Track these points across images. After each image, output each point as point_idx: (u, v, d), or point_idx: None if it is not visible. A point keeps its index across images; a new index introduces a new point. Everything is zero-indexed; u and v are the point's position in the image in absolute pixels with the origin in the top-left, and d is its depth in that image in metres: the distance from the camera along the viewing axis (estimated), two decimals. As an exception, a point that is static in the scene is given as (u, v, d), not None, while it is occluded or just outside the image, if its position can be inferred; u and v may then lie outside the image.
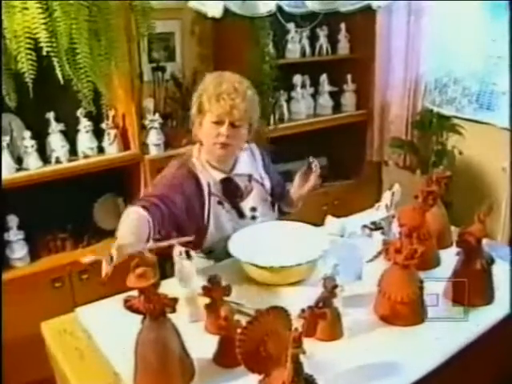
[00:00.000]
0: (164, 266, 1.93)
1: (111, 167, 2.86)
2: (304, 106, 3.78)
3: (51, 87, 2.42)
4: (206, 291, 1.51)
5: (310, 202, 2.50)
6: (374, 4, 3.31)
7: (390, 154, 3.99)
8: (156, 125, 3.00)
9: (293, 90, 3.73)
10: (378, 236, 2.10)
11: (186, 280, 1.64)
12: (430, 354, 1.49)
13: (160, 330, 1.32)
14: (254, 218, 2.12)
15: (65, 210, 2.91)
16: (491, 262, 1.71)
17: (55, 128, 2.72)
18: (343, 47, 3.86)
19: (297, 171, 2.25)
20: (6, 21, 2.21)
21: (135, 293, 1.32)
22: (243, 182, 2.12)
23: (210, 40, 3.49)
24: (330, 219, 2.24)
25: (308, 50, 3.70)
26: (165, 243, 1.56)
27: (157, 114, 3.02)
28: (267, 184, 2.19)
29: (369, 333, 1.58)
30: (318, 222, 2.19)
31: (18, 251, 2.73)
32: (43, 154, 2.72)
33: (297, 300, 1.57)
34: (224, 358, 1.44)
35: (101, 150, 2.88)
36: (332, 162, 4.09)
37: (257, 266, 1.80)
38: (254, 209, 2.13)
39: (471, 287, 1.66)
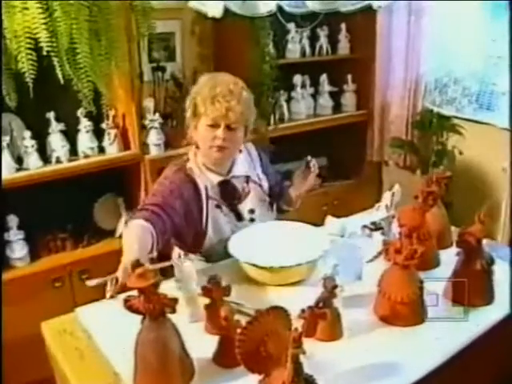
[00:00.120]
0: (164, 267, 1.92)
1: (111, 167, 2.86)
2: (304, 106, 3.78)
3: (51, 87, 2.42)
4: (206, 291, 1.50)
5: (310, 202, 2.51)
6: (375, 4, 3.32)
7: (390, 154, 3.99)
8: (156, 125, 3.00)
9: (293, 90, 3.73)
10: (378, 236, 2.10)
11: (186, 281, 1.64)
12: (430, 354, 1.49)
13: (160, 330, 1.32)
14: (252, 220, 2.11)
15: (65, 209, 2.91)
16: (491, 262, 1.71)
17: (55, 128, 2.73)
18: (343, 47, 3.86)
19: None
20: (7, 21, 2.21)
21: (135, 293, 1.32)
22: (241, 184, 2.11)
23: (210, 40, 3.49)
24: (330, 219, 2.24)
25: (308, 50, 3.70)
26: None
27: (157, 114, 3.01)
28: (265, 185, 2.18)
29: (369, 333, 1.58)
30: (318, 222, 2.19)
31: (18, 251, 2.72)
32: (43, 153, 2.72)
33: (297, 300, 1.57)
34: (224, 358, 1.44)
35: (101, 149, 2.88)
36: (332, 162, 4.09)
37: (257, 266, 1.80)
38: (252, 211, 2.12)
39: (471, 287, 1.66)
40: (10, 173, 2.56)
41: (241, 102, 1.91)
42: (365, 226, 2.19)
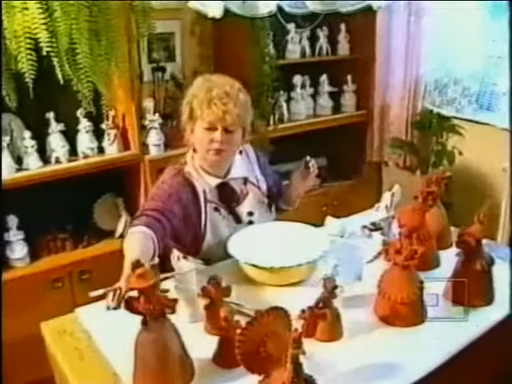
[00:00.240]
0: (164, 266, 1.92)
1: (111, 167, 2.86)
2: (304, 107, 3.78)
3: (51, 87, 2.42)
4: (206, 292, 1.50)
5: (310, 203, 2.51)
6: (375, 4, 3.32)
7: (389, 154, 3.99)
8: (156, 125, 3.00)
9: (293, 91, 3.73)
10: (377, 237, 2.10)
11: (186, 281, 1.64)
12: (430, 354, 1.49)
13: (160, 330, 1.32)
14: (250, 222, 2.10)
15: (65, 210, 2.91)
16: (491, 262, 1.71)
17: (55, 128, 2.73)
18: (343, 48, 3.86)
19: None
20: (6, 21, 2.21)
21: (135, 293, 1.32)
22: (239, 186, 2.11)
23: (210, 40, 3.49)
24: (329, 220, 2.24)
25: (308, 50, 3.70)
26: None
27: (157, 115, 3.01)
28: (263, 186, 2.18)
29: (369, 333, 1.58)
30: (318, 223, 2.19)
31: (18, 251, 2.72)
32: (43, 154, 2.73)
33: (297, 300, 1.57)
34: (224, 358, 1.44)
35: (101, 150, 2.88)
36: (332, 162, 4.09)
37: (256, 266, 1.80)
38: (250, 213, 2.11)
39: (471, 288, 1.66)
40: (9, 173, 2.55)
41: (237, 105, 1.89)
42: (364, 227, 2.19)
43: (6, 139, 2.56)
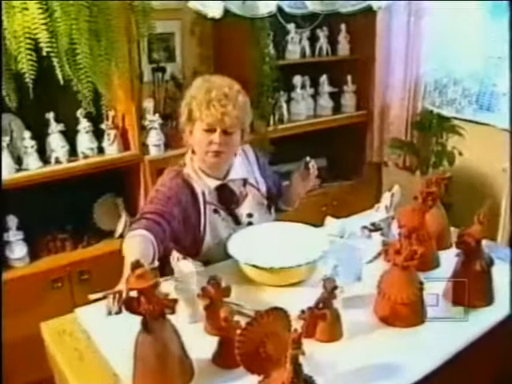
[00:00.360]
0: (163, 266, 1.92)
1: (111, 168, 2.86)
2: (304, 107, 3.78)
3: (51, 88, 2.42)
4: (206, 292, 1.50)
5: (310, 203, 2.51)
6: (375, 5, 3.32)
7: (389, 154, 3.99)
8: (156, 125, 3.00)
9: (293, 91, 3.72)
10: (377, 237, 2.10)
11: (186, 281, 1.64)
12: (430, 354, 1.49)
13: (159, 331, 1.32)
14: (250, 223, 2.10)
15: (64, 210, 2.92)
16: (491, 263, 1.71)
17: (55, 128, 2.73)
18: (343, 48, 3.86)
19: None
20: (6, 21, 2.21)
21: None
22: (238, 188, 2.10)
23: (210, 40, 3.49)
24: (329, 220, 2.24)
25: (308, 50, 3.70)
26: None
27: (157, 115, 3.01)
28: (263, 188, 2.17)
29: (368, 334, 1.58)
30: (318, 223, 2.19)
31: (18, 251, 2.72)
32: (43, 154, 2.73)
33: (296, 301, 1.57)
34: (223, 358, 1.44)
35: (101, 150, 2.88)
36: (332, 162, 4.09)
37: (256, 266, 1.79)
38: (250, 215, 2.11)
39: (471, 288, 1.66)
40: (9, 173, 2.55)
41: (236, 106, 1.89)
42: (364, 227, 2.19)
43: (5, 139, 2.56)
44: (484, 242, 1.73)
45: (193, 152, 2.04)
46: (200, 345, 1.48)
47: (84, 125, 2.80)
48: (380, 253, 1.86)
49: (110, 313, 1.39)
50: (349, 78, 3.92)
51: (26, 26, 2.22)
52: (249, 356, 1.19)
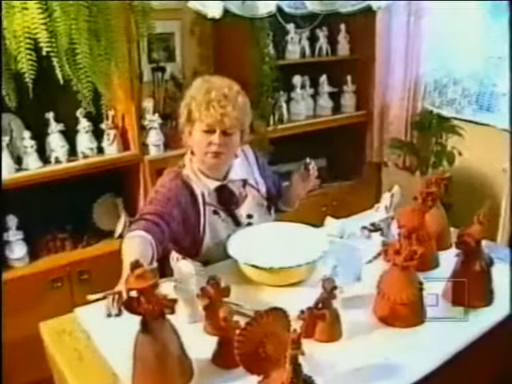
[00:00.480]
0: (163, 267, 1.92)
1: (111, 168, 2.86)
2: (304, 107, 3.78)
3: (51, 87, 2.42)
4: (205, 292, 1.50)
5: (310, 203, 2.50)
6: (374, 5, 3.32)
7: (389, 154, 3.99)
8: (155, 125, 3.00)
9: (292, 91, 3.72)
10: (377, 237, 2.10)
11: (185, 281, 1.64)
12: (430, 355, 1.49)
13: (159, 330, 1.31)
14: (249, 224, 2.10)
15: (64, 210, 2.92)
16: (490, 263, 1.71)
17: (55, 128, 2.73)
18: (343, 48, 3.86)
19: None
20: (6, 21, 2.21)
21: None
22: (238, 188, 2.10)
23: (209, 40, 3.49)
24: (329, 220, 2.24)
25: (308, 50, 3.70)
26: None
27: (156, 115, 3.01)
28: (262, 189, 2.17)
29: (368, 334, 1.58)
30: (318, 223, 2.19)
31: (17, 251, 2.72)
32: (43, 154, 2.73)
33: (296, 301, 1.57)
34: (223, 358, 1.44)
35: (100, 150, 2.88)
36: (331, 162, 4.09)
37: (256, 266, 1.79)
38: (249, 216, 2.11)
39: (470, 288, 1.66)
40: (9, 173, 2.55)
41: (236, 107, 1.89)
42: (364, 227, 2.19)
43: (5, 139, 2.56)
44: (484, 243, 1.73)
45: (192, 153, 2.04)
46: (199, 345, 1.48)
47: (84, 124, 2.80)
48: (380, 253, 1.86)
49: (109, 315, 1.39)
50: (348, 78, 3.92)
51: (25, 25, 2.22)
52: (248, 356, 1.19)
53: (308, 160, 2.13)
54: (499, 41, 3.38)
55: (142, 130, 2.97)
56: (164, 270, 1.86)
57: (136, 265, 1.30)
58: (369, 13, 3.44)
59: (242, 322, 1.25)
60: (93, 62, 2.42)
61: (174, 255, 1.73)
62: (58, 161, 2.73)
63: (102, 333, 1.60)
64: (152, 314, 1.29)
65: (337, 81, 3.92)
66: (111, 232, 3.05)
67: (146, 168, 2.94)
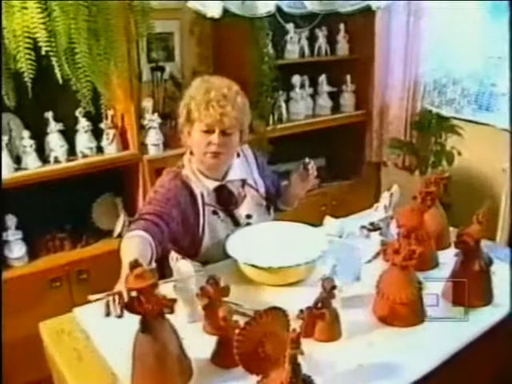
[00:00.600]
0: (162, 267, 1.92)
1: (110, 167, 2.86)
2: (303, 107, 3.78)
3: (50, 87, 2.42)
4: (205, 292, 1.50)
5: (309, 203, 2.50)
6: (374, 5, 3.32)
7: (388, 154, 3.99)
8: (155, 125, 3.00)
9: (292, 91, 3.72)
10: (376, 237, 2.10)
11: (184, 281, 1.64)
12: (429, 354, 1.49)
13: (158, 330, 1.31)
14: (249, 225, 2.09)
15: (63, 209, 2.91)
16: (489, 262, 1.71)
17: (54, 128, 2.72)
18: (342, 48, 3.86)
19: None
20: (5, 20, 2.21)
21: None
22: (237, 189, 2.10)
23: (209, 40, 3.49)
24: (328, 220, 2.25)
25: (307, 50, 3.70)
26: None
27: (155, 114, 3.01)
28: (261, 189, 2.17)
29: (367, 333, 1.58)
30: (317, 223, 2.19)
31: (17, 251, 2.72)
32: (42, 153, 2.72)
33: (295, 300, 1.57)
34: (222, 358, 1.44)
35: (99, 149, 2.88)
36: (331, 162, 4.09)
37: (255, 266, 1.79)
38: (249, 216, 2.11)
39: (470, 288, 1.66)
40: (8, 172, 2.55)
41: (235, 107, 1.89)
42: (363, 227, 2.19)
43: (4, 139, 2.55)
44: (483, 242, 1.73)
45: (191, 153, 2.04)
46: (199, 344, 1.48)
47: (83, 124, 2.79)
48: (379, 252, 1.86)
49: (108, 314, 1.39)
50: (348, 77, 3.92)
51: (24, 25, 2.22)
52: (247, 356, 1.19)
53: (307, 160, 2.12)
54: (499, 41, 3.38)
55: (141, 129, 2.97)
56: (163, 270, 1.86)
57: (135, 264, 1.30)
58: (368, 13, 3.44)
59: (242, 321, 1.25)
60: (92, 62, 2.42)
61: (173, 255, 1.73)
62: (57, 160, 2.73)
63: (101, 332, 1.60)
64: (151, 313, 1.29)
65: (336, 80, 3.92)
66: (110, 231, 3.05)
67: (145, 167, 2.94)
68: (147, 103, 3.01)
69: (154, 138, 3.00)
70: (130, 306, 1.29)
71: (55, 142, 2.73)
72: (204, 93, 1.89)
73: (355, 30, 3.82)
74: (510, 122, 3.17)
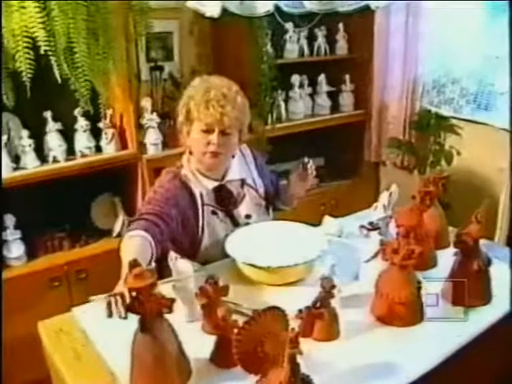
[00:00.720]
0: (161, 267, 1.92)
1: (109, 167, 2.85)
2: (302, 106, 3.78)
3: (49, 86, 2.42)
4: (204, 291, 1.50)
5: (308, 202, 2.50)
6: (373, 4, 3.31)
7: (387, 154, 3.99)
8: (154, 124, 3.00)
9: (291, 90, 3.72)
10: (375, 236, 2.10)
11: (183, 280, 1.64)
12: (428, 354, 1.49)
13: (157, 330, 1.31)
14: (248, 225, 2.09)
15: (62, 209, 2.91)
16: (488, 262, 1.71)
17: (53, 127, 2.72)
18: (341, 47, 3.86)
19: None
20: (4, 20, 2.21)
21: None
22: (236, 189, 2.10)
23: (208, 40, 3.49)
24: (327, 219, 2.25)
25: (306, 49, 3.70)
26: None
27: (154, 114, 3.01)
28: (260, 189, 2.17)
29: (366, 333, 1.58)
30: (316, 222, 2.20)
31: (15, 251, 2.71)
32: (41, 153, 2.72)
33: (294, 300, 1.57)
34: (221, 358, 1.44)
35: (98, 149, 2.88)
36: (330, 162, 4.09)
37: (254, 266, 1.79)
38: (248, 216, 2.11)
39: (469, 287, 1.65)
40: (7, 172, 2.55)
41: (235, 107, 1.88)
42: (362, 226, 2.19)
43: (3, 138, 2.55)
44: (482, 242, 1.73)
45: (190, 153, 2.03)
46: (198, 344, 1.48)
47: (82, 123, 2.79)
48: (378, 252, 1.86)
49: (110, 315, 1.39)
50: (347, 77, 3.93)
51: (23, 24, 2.22)
52: (246, 355, 1.19)
53: (306, 159, 2.12)
54: (497, 40, 3.38)
55: (140, 129, 2.97)
56: (162, 270, 1.86)
57: (134, 264, 1.30)
58: (367, 12, 3.43)
59: (241, 321, 1.25)
60: (91, 61, 2.42)
61: (172, 255, 1.73)
62: (55, 160, 2.73)
63: (99, 332, 1.60)
64: (150, 313, 1.29)
65: (335, 80, 3.93)
66: (109, 231, 3.04)
67: (144, 167, 2.94)
68: (146, 103, 3.01)
69: (152, 137, 3.00)
70: (130, 306, 1.29)
71: (54, 141, 2.73)
72: (203, 92, 1.88)
73: (354, 29, 3.82)
74: (510, 122, 3.17)
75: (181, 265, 1.69)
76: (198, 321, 1.61)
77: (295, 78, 3.72)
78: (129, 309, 1.29)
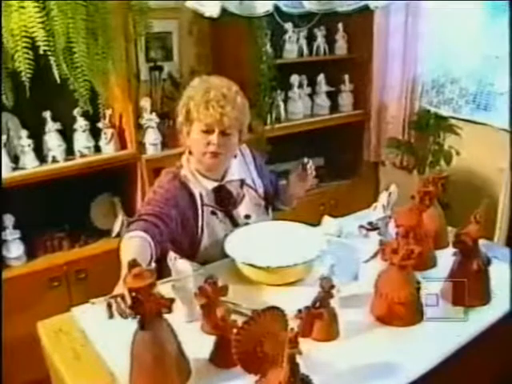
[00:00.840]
0: (161, 267, 1.92)
1: (108, 167, 2.85)
2: (301, 106, 3.78)
3: (48, 86, 2.42)
4: (203, 291, 1.50)
5: (307, 202, 2.50)
6: (372, 4, 3.31)
7: (386, 154, 3.99)
8: (153, 124, 3.00)
9: (290, 90, 3.72)
10: (374, 236, 2.09)
11: (183, 280, 1.64)
12: (427, 354, 1.49)
13: (156, 330, 1.31)
14: (247, 225, 2.09)
15: (62, 209, 2.91)
16: (488, 262, 1.71)
17: (52, 127, 2.72)
18: (341, 47, 3.86)
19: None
20: (3, 20, 2.21)
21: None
22: (235, 189, 2.10)
23: (207, 40, 3.49)
24: (326, 219, 2.25)
25: (305, 49, 3.70)
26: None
27: (154, 114, 3.01)
28: (260, 189, 2.17)
29: (365, 333, 1.58)
30: (315, 222, 2.19)
31: (15, 251, 2.71)
32: (40, 153, 2.72)
33: (293, 300, 1.57)
34: (220, 358, 1.44)
35: (97, 149, 2.87)
36: (329, 162, 4.09)
37: (253, 266, 1.79)
38: (247, 216, 2.11)
39: (468, 288, 1.65)
40: (6, 172, 2.55)
41: (235, 107, 1.88)
42: (361, 226, 2.19)
43: (2, 138, 2.55)
44: (481, 242, 1.73)
45: (190, 153, 2.03)
46: (197, 344, 1.48)
47: (81, 123, 2.79)
48: (377, 252, 1.86)
49: (111, 317, 1.38)
50: (346, 77, 3.93)
51: (22, 24, 2.22)
52: (246, 355, 1.19)
53: (306, 159, 2.12)
54: (497, 40, 3.38)
55: (140, 128, 2.97)
56: (162, 271, 1.86)
57: (133, 264, 1.30)
58: (366, 12, 3.43)
59: (240, 321, 1.25)
60: (90, 61, 2.42)
61: (171, 255, 1.73)
62: (55, 160, 2.73)
63: (99, 332, 1.60)
64: (150, 313, 1.29)
65: (334, 80, 3.93)
66: (109, 231, 3.04)
67: (144, 167, 2.94)
68: (145, 103, 3.01)
69: (152, 137, 3.00)
70: (130, 306, 1.29)
71: (53, 141, 2.72)
72: (203, 93, 1.88)
73: (353, 29, 3.82)
74: (510, 122, 3.17)
75: (180, 265, 1.69)
76: (197, 321, 1.61)
77: (294, 78, 3.72)
78: (129, 309, 1.29)
